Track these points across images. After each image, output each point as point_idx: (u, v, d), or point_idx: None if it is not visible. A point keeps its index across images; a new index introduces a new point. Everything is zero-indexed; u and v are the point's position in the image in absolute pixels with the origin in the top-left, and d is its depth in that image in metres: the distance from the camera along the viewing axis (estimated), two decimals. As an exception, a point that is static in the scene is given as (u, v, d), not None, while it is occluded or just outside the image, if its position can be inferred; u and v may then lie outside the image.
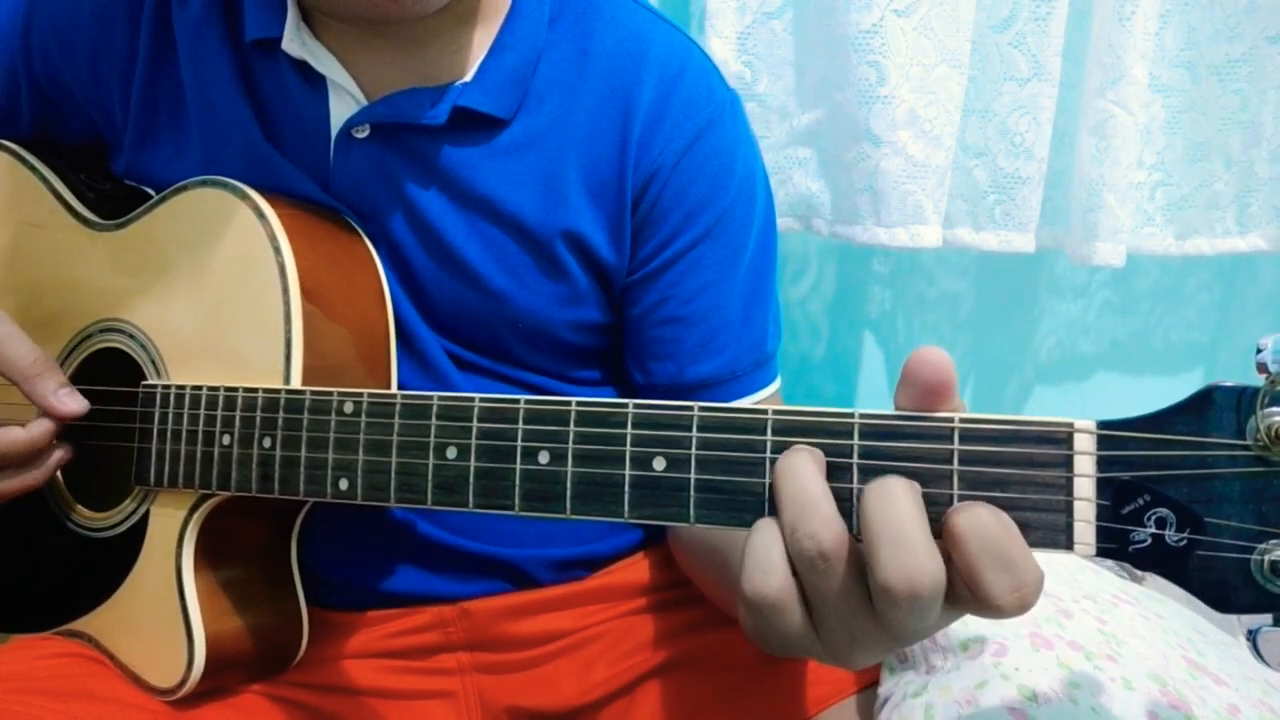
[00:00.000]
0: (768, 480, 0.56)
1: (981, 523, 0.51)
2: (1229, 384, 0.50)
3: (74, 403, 0.83)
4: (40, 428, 0.82)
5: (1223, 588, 0.49)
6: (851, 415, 0.55)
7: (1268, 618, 0.49)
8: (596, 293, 0.91)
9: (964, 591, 0.52)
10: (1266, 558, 0.48)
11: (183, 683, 0.80)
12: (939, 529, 0.52)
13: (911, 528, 0.51)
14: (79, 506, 0.88)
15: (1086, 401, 1.56)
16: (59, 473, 0.88)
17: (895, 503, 0.52)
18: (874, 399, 1.55)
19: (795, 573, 0.54)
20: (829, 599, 0.53)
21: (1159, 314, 1.55)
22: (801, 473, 0.54)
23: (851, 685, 0.90)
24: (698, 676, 0.94)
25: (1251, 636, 0.50)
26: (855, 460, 0.54)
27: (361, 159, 0.86)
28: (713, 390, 0.91)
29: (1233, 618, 0.97)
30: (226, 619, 0.82)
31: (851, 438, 0.55)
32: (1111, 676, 0.79)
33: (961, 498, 0.53)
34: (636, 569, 0.99)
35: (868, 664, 0.57)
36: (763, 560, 0.54)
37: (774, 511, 0.55)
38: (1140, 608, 0.89)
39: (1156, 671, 0.80)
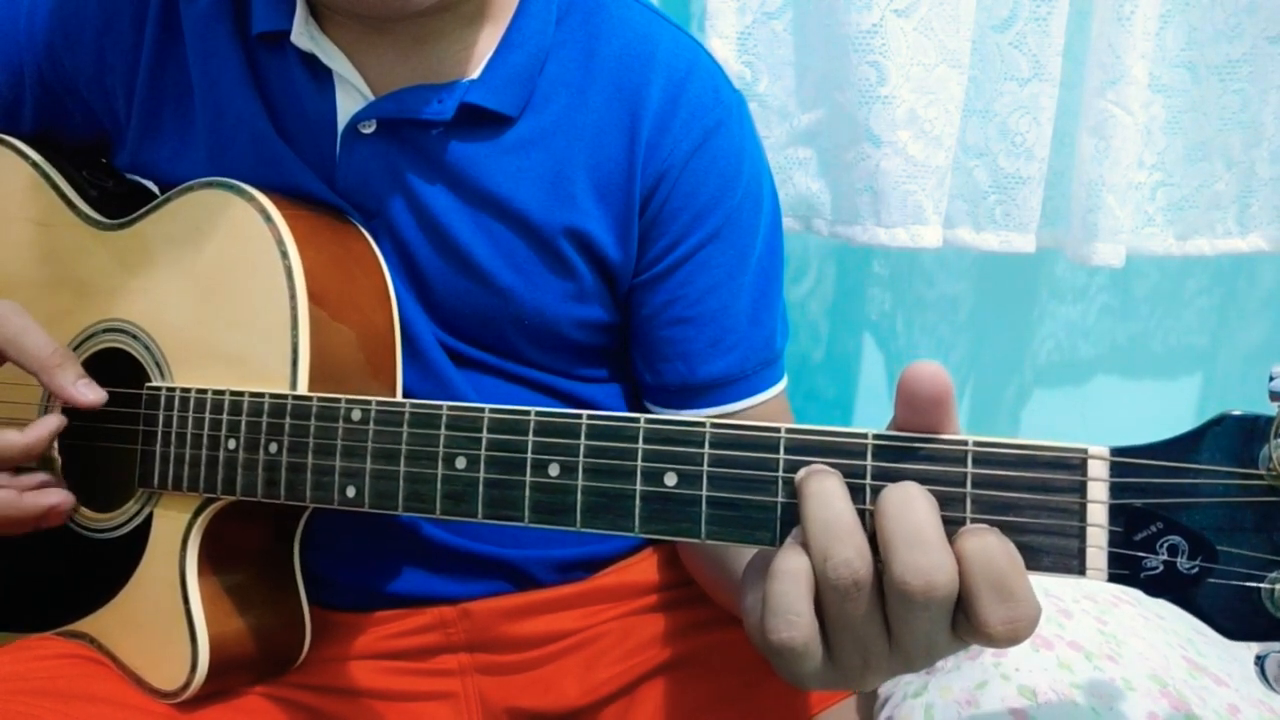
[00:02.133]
0: (780, 499, 0.57)
1: (988, 549, 0.51)
2: (1240, 412, 0.50)
3: (93, 393, 0.82)
4: (36, 434, 0.81)
5: (1233, 616, 0.50)
6: (865, 435, 0.55)
7: (1277, 644, 0.50)
8: (602, 291, 0.91)
9: (959, 614, 0.53)
10: (1277, 586, 0.49)
11: (186, 685, 0.80)
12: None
13: (929, 529, 0.52)
14: (82, 508, 0.87)
15: (1086, 405, 1.56)
16: (62, 472, 0.88)
17: (913, 504, 0.52)
18: (873, 401, 1.55)
19: (817, 609, 0.54)
20: (851, 624, 0.54)
21: (1158, 317, 1.55)
22: (835, 499, 0.54)
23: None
24: (699, 676, 0.94)
25: (1260, 663, 0.50)
26: (869, 481, 0.55)
27: (368, 155, 0.86)
28: (722, 390, 0.91)
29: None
30: (230, 621, 0.82)
31: (865, 458, 0.55)
32: (1112, 677, 0.79)
33: (974, 520, 0.53)
34: (638, 569, 0.99)
35: (874, 686, 0.58)
36: (786, 610, 0.54)
37: (786, 531, 0.56)
38: (1140, 608, 0.90)
39: (1157, 672, 0.80)
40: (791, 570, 0.54)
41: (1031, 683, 0.79)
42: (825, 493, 0.54)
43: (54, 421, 0.83)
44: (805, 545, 0.54)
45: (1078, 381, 1.56)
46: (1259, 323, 1.54)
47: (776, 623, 0.54)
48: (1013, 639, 0.51)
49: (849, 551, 0.53)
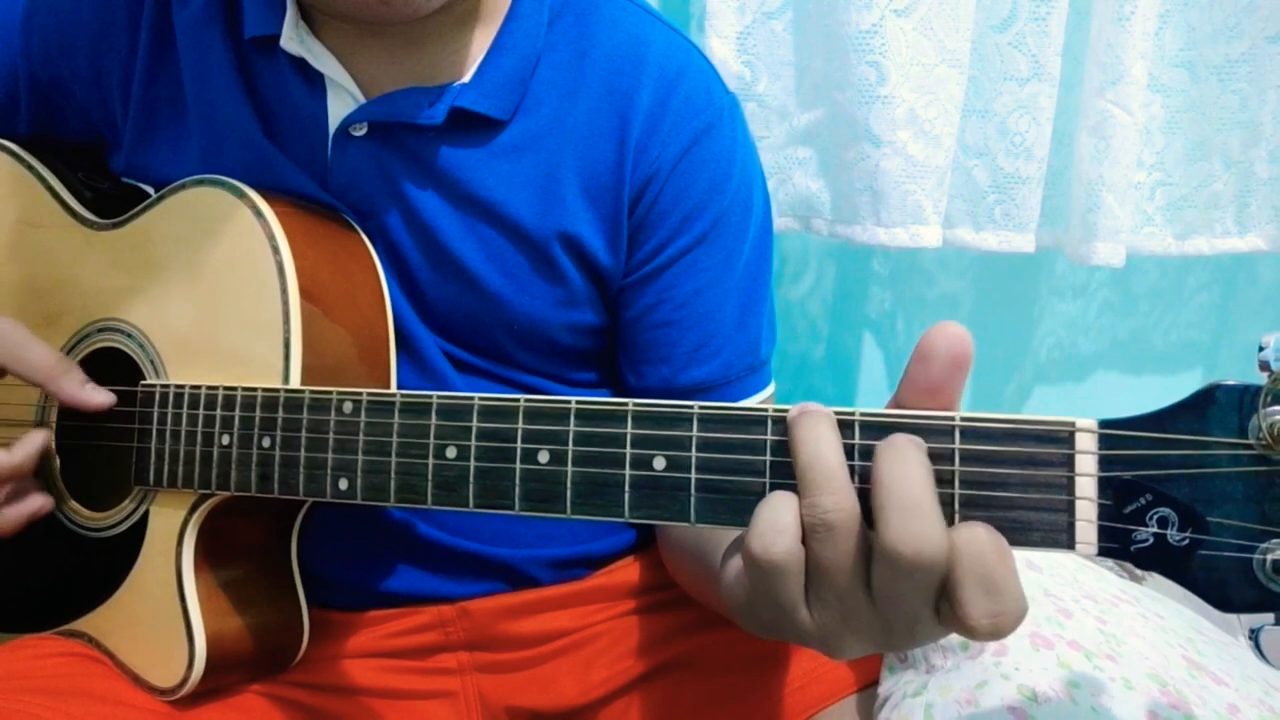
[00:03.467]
0: (768, 479, 0.56)
1: (977, 540, 0.51)
2: (1230, 383, 0.50)
3: (100, 395, 0.83)
4: (23, 453, 0.82)
5: (1225, 587, 0.50)
6: (853, 414, 0.55)
7: (1269, 616, 0.50)
8: (592, 295, 0.91)
9: (945, 601, 0.52)
10: (1269, 557, 0.48)
11: (183, 683, 0.80)
12: None
13: (922, 495, 0.51)
14: (78, 506, 0.88)
15: (1086, 401, 1.56)
16: (58, 472, 0.88)
17: (908, 467, 0.52)
18: (874, 399, 1.55)
19: (804, 539, 0.54)
20: (831, 571, 0.53)
21: (1159, 313, 1.55)
22: (822, 443, 0.54)
23: (851, 685, 0.89)
24: (698, 676, 0.94)
25: (1254, 635, 0.50)
26: (857, 462, 0.54)
27: (359, 157, 0.86)
28: (705, 395, 0.91)
29: (1233, 618, 0.97)
30: (227, 619, 0.82)
31: (853, 437, 0.54)
32: (1111, 676, 0.79)
33: (963, 497, 0.53)
34: (635, 568, 0.99)
35: (853, 655, 0.57)
36: (774, 521, 0.53)
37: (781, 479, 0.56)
38: (1140, 608, 0.89)
39: (1156, 671, 0.80)
40: (784, 494, 0.54)
41: (1031, 682, 0.79)
42: (813, 435, 0.54)
43: (40, 438, 0.84)
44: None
45: (1079, 378, 1.56)
46: (1260, 318, 1.54)
47: (763, 532, 0.53)
48: (994, 633, 0.51)
49: (827, 499, 0.52)
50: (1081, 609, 0.87)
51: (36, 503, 0.84)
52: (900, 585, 0.52)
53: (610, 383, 0.97)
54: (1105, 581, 0.94)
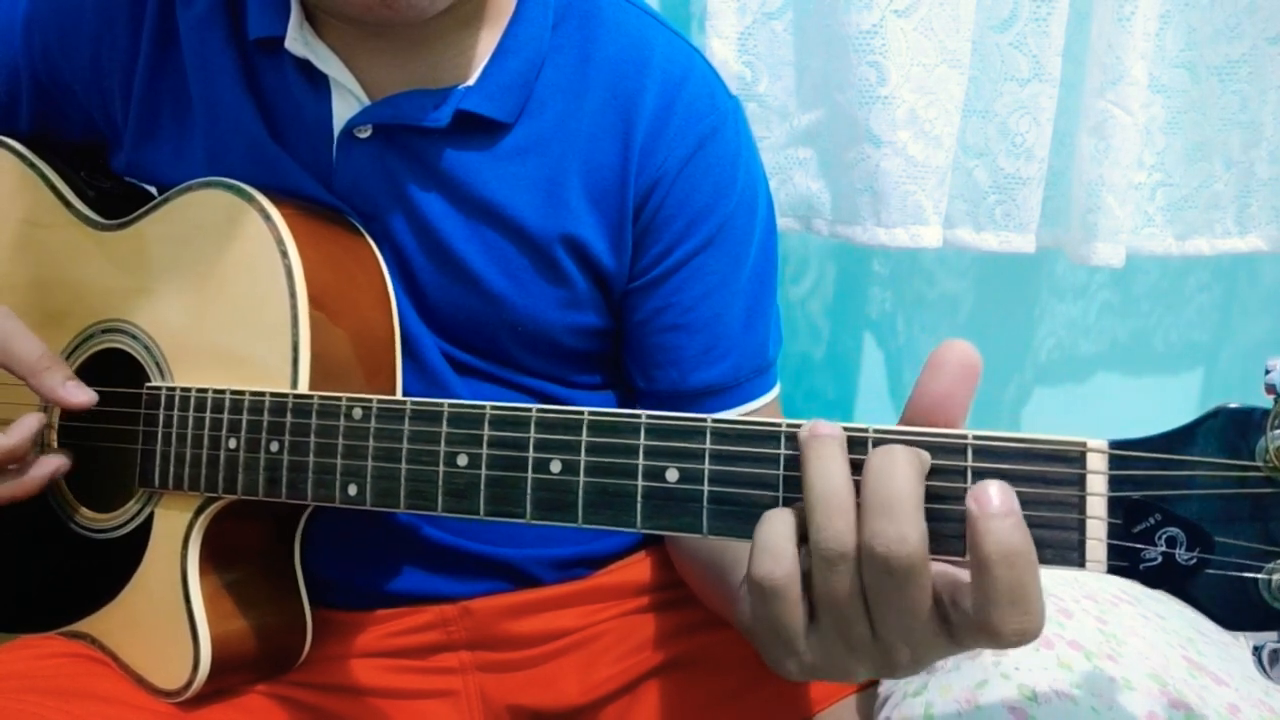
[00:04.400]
0: (781, 493, 0.57)
1: (1013, 554, 0.51)
2: (1238, 405, 0.50)
3: (82, 394, 0.83)
4: (19, 434, 0.81)
5: (1231, 606, 0.50)
6: (866, 430, 0.55)
7: (1274, 634, 0.50)
8: (596, 298, 0.91)
9: (964, 614, 0.53)
10: (1274, 577, 0.49)
11: (188, 685, 0.80)
12: (953, 546, 0.53)
13: (900, 495, 0.52)
14: (82, 508, 0.88)
15: (1087, 403, 1.56)
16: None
17: (894, 471, 0.52)
18: (874, 400, 1.55)
19: (806, 585, 0.55)
20: (835, 598, 0.54)
21: (1159, 314, 1.55)
22: (833, 474, 0.54)
23: (851, 684, 0.90)
24: (700, 675, 0.94)
25: (1258, 653, 0.50)
26: (869, 478, 0.55)
27: (363, 159, 0.86)
28: (715, 397, 0.91)
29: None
30: (231, 621, 0.82)
31: (865, 452, 0.55)
32: (1111, 676, 0.79)
33: None
34: (638, 568, 1.00)
35: (859, 679, 0.58)
36: (773, 546, 0.55)
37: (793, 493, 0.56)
38: (1140, 608, 0.90)
39: (1156, 671, 0.80)
40: (783, 515, 0.55)
41: (1031, 682, 0.79)
42: (825, 464, 0.54)
43: (34, 421, 0.83)
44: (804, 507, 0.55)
45: (1079, 379, 1.56)
46: (1261, 318, 1.54)
47: (762, 557, 0.55)
48: (1021, 642, 0.52)
49: (841, 524, 0.53)
50: (1081, 609, 0.87)
51: (52, 465, 0.83)
52: (884, 587, 0.53)
53: (614, 386, 0.98)
54: (1105, 581, 0.94)
